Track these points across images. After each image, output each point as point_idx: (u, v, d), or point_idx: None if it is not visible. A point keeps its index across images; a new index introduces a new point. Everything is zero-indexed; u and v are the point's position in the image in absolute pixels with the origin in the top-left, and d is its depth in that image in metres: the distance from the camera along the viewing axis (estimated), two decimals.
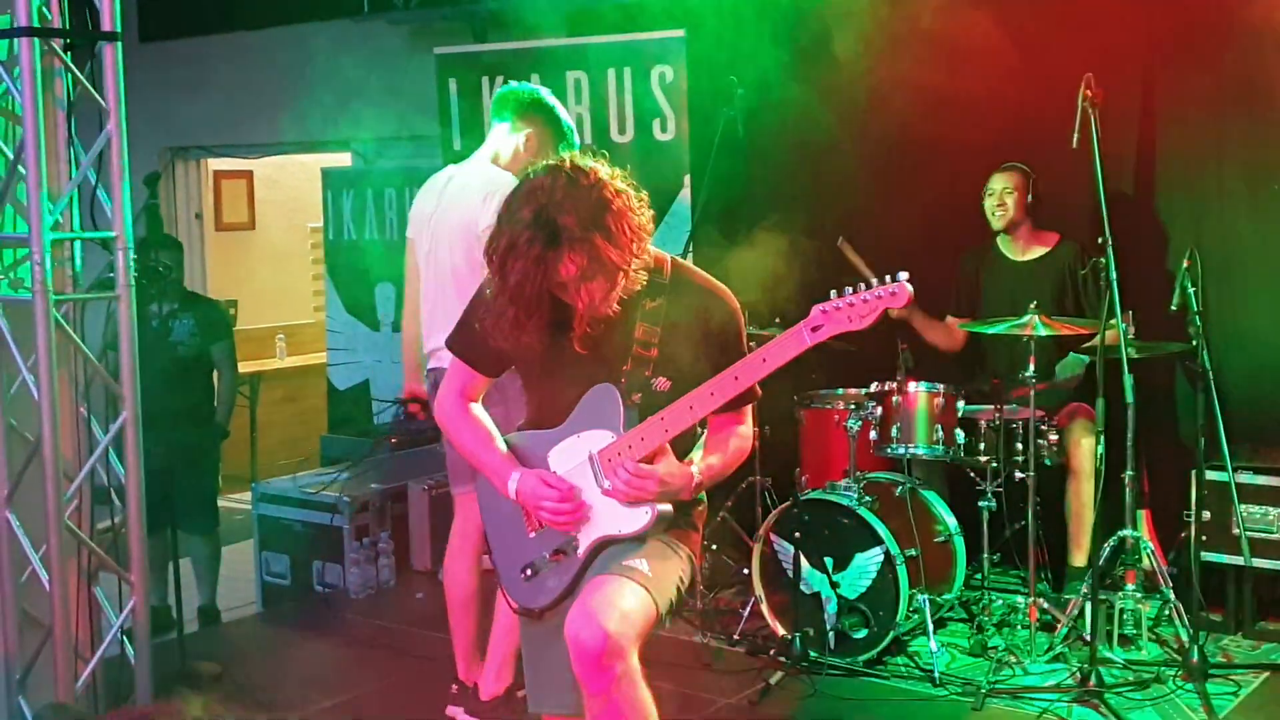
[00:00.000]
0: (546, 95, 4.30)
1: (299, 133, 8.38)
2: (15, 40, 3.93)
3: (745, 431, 3.00)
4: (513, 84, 4.42)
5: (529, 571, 2.98)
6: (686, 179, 6.00)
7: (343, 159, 8.57)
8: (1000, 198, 5.46)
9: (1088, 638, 4.60)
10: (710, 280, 2.96)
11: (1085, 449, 5.13)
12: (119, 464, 4.28)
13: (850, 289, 2.64)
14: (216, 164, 9.65)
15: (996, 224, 5.50)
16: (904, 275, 2.60)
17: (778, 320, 5.40)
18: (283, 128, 8.44)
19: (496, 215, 2.78)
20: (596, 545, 2.89)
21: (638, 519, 2.84)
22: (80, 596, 4.19)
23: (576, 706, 2.86)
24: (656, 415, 2.78)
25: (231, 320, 7.01)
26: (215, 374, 6.15)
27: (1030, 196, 5.43)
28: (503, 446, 3.02)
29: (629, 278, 2.73)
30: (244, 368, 7.89)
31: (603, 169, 2.75)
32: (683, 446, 2.94)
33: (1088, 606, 4.64)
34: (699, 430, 3.00)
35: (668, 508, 2.85)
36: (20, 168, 4.02)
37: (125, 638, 4.33)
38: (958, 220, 5.77)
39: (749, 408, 3.00)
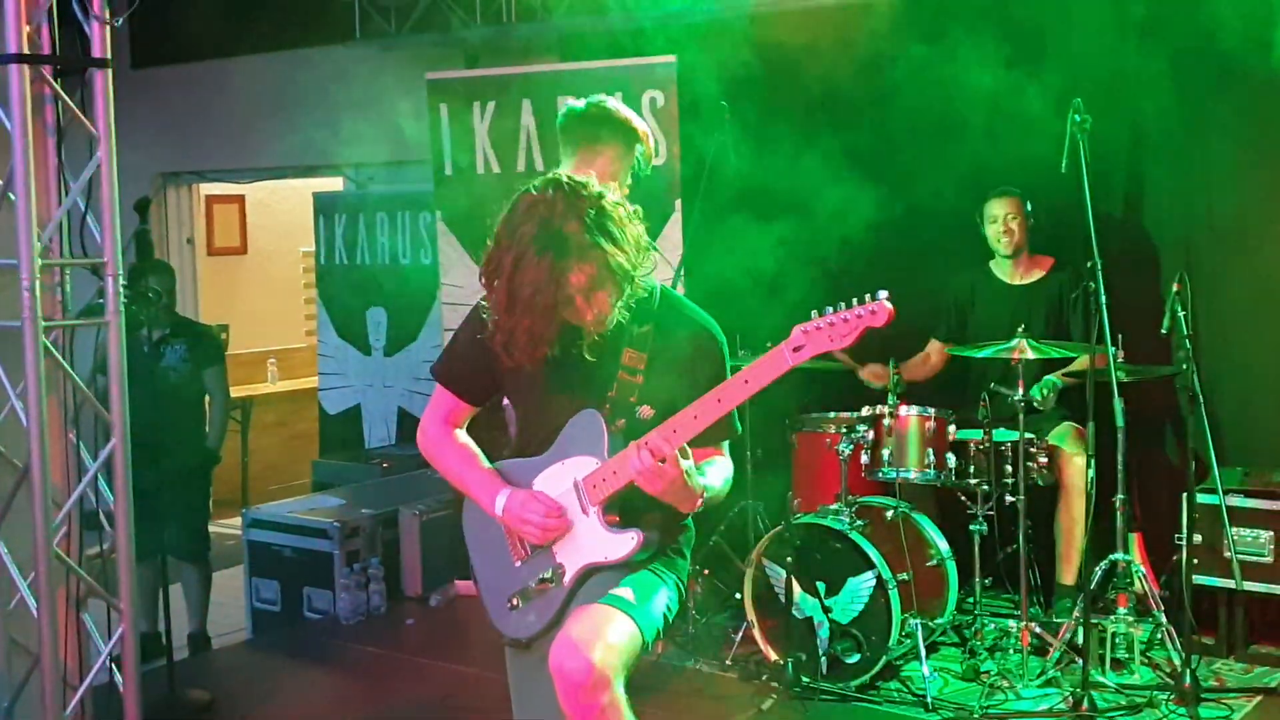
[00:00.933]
0: (609, 104, 4.28)
1: (291, 158, 8.39)
2: (5, 67, 3.93)
3: (729, 464, 2.97)
4: (570, 103, 4.35)
5: (515, 601, 2.96)
6: (677, 203, 6.00)
7: (335, 184, 8.58)
8: (1005, 224, 5.46)
9: (1080, 662, 4.59)
10: (696, 309, 2.96)
11: (1076, 466, 5.13)
12: (108, 490, 4.26)
13: (831, 308, 2.63)
14: (208, 189, 9.66)
15: (1003, 250, 5.49)
16: (884, 294, 2.59)
17: (769, 345, 5.37)
18: (275, 153, 8.46)
19: (494, 234, 2.76)
20: (583, 573, 2.88)
21: (623, 545, 2.82)
22: (69, 624, 4.16)
23: None
24: (640, 439, 2.76)
25: (223, 345, 7.00)
26: (206, 399, 6.14)
27: (1030, 219, 5.45)
28: (489, 468, 3.01)
29: (635, 285, 2.74)
30: (236, 392, 7.87)
31: (596, 183, 2.76)
32: None
33: (1080, 630, 4.63)
34: None
35: (653, 534, 2.83)
36: (10, 194, 4.01)
37: (114, 665, 4.30)
38: (948, 246, 5.79)
39: (727, 444, 2.98)
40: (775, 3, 6.01)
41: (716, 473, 2.92)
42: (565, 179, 2.73)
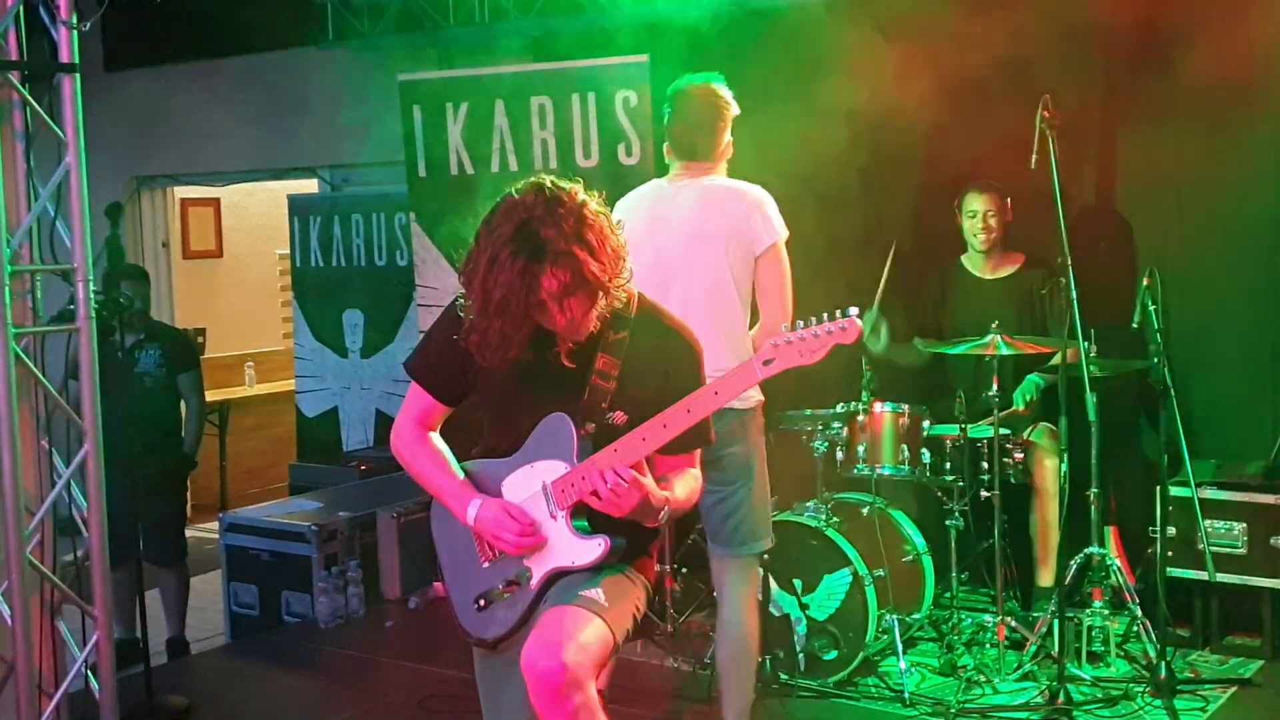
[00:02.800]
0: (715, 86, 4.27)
1: (265, 160, 8.37)
2: None
3: (699, 474, 2.98)
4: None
5: (482, 602, 2.96)
6: None
7: (309, 185, 8.55)
8: (984, 220, 5.42)
9: (1056, 655, 4.61)
10: (674, 318, 2.97)
11: (1049, 469, 5.15)
12: (82, 497, 4.25)
13: (802, 324, 2.65)
14: (183, 192, 9.61)
15: (979, 245, 5.47)
16: (854, 311, 2.62)
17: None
18: (249, 155, 8.42)
19: (475, 234, 2.76)
20: (550, 576, 2.88)
21: (591, 551, 2.82)
22: (43, 631, 4.15)
23: None
24: (610, 446, 2.77)
25: (198, 349, 6.98)
26: (182, 404, 6.12)
27: (1007, 216, 5.46)
28: (460, 473, 3.01)
29: (609, 296, 2.74)
30: (212, 395, 7.85)
31: (581, 190, 2.75)
32: None
33: (1056, 624, 4.65)
34: None
35: (620, 540, 2.83)
36: None
37: (90, 672, 4.29)
38: (925, 240, 5.80)
39: (699, 452, 2.99)
40: (747, 1, 6.02)
41: (684, 486, 2.92)
42: (549, 184, 2.72)
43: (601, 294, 2.71)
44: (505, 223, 2.68)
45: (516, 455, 2.92)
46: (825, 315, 2.64)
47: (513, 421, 2.93)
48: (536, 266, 2.64)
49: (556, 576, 2.87)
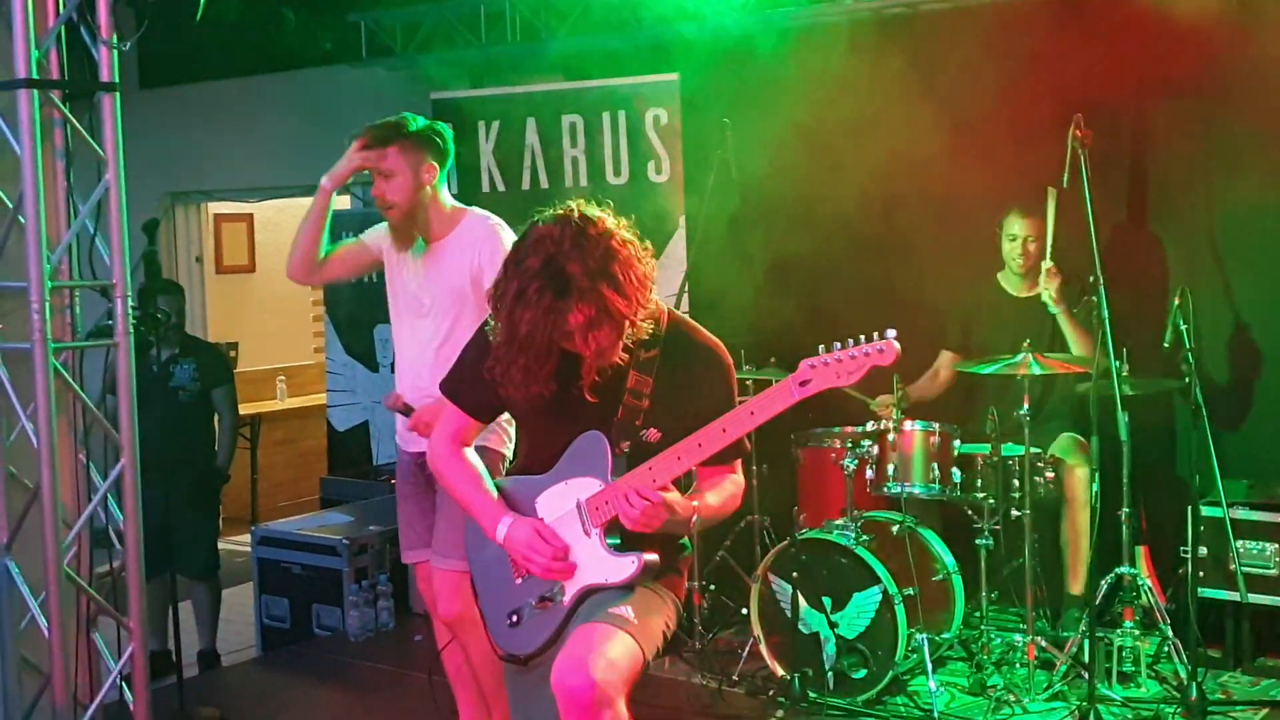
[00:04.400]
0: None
1: (298, 176, 8.41)
2: (14, 92, 3.96)
3: (738, 480, 3.00)
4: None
5: (514, 618, 2.98)
6: (681, 220, 6.03)
7: (342, 202, 8.60)
8: (1023, 244, 5.38)
9: (1086, 675, 4.58)
10: (705, 334, 2.98)
11: (1079, 477, 5.13)
12: (118, 510, 4.28)
13: (839, 345, 2.65)
14: (217, 208, 9.69)
15: (1016, 269, 5.45)
16: (891, 333, 2.61)
17: (772, 360, 5.43)
18: (282, 172, 8.48)
19: (505, 261, 2.80)
20: (582, 593, 2.90)
21: (624, 568, 2.84)
22: (79, 643, 4.18)
23: None
24: (644, 464, 2.79)
25: (232, 364, 7.02)
26: (216, 418, 6.16)
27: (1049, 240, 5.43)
28: (493, 491, 3.03)
29: (636, 326, 2.75)
30: (244, 409, 7.90)
31: (609, 218, 2.77)
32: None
33: (1086, 644, 4.63)
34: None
35: (654, 556, 2.84)
36: (20, 217, 4.03)
37: (124, 684, 4.32)
38: (950, 262, 5.80)
39: (741, 462, 3.01)
40: (775, 21, 6.04)
41: (718, 494, 2.93)
42: (577, 214, 2.74)
43: (627, 325, 2.73)
44: (532, 255, 2.71)
45: (551, 473, 2.94)
46: (863, 337, 2.64)
47: (547, 440, 2.96)
48: (562, 303, 2.68)
49: (589, 593, 2.89)
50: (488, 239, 3.96)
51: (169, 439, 5.25)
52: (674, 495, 2.80)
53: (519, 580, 2.99)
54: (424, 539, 4.12)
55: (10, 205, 4.10)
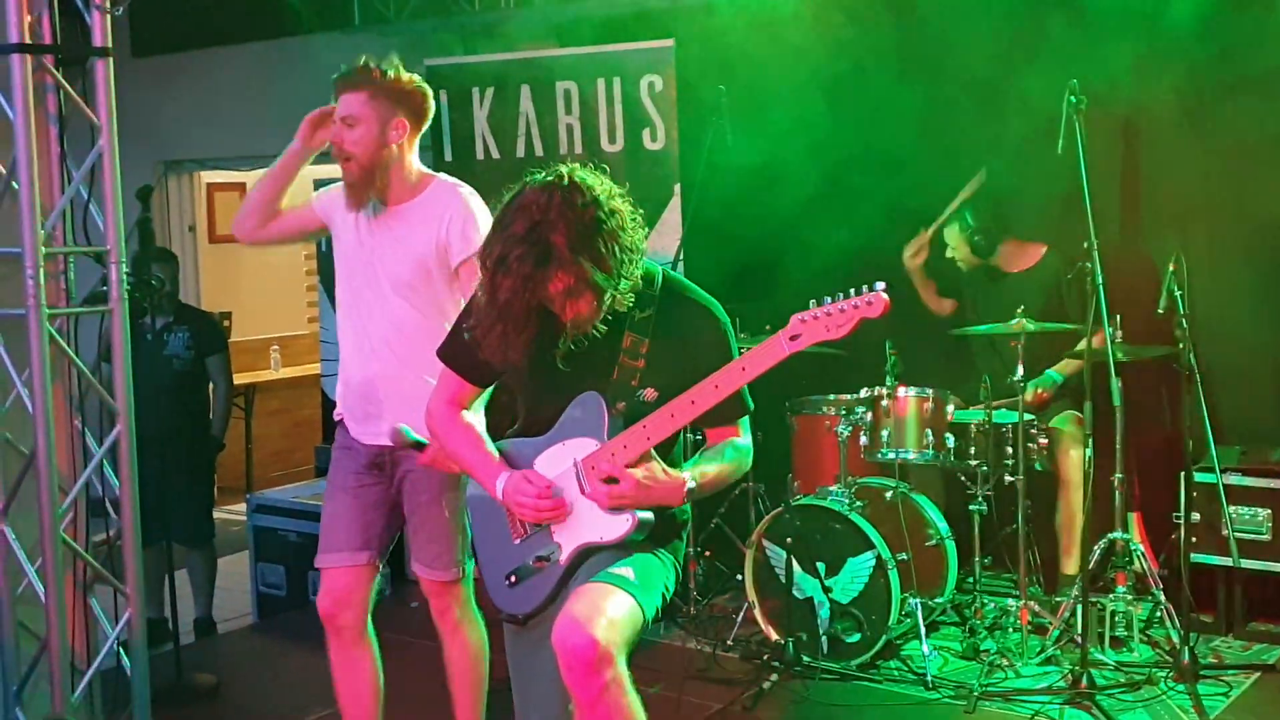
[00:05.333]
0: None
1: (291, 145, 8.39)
2: (7, 57, 3.95)
3: (742, 444, 2.99)
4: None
5: (513, 578, 3.00)
6: (677, 188, 6.03)
7: (335, 170, 8.58)
8: (955, 252, 5.57)
9: (1079, 640, 4.62)
10: (701, 294, 2.98)
11: (1074, 459, 5.16)
12: (114, 477, 4.29)
13: (829, 298, 2.66)
14: (209, 176, 9.67)
15: (963, 268, 5.60)
16: (880, 285, 2.62)
17: (768, 328, 5.42)
18: (275, 140, 8.44)
19: (495, 218, 2.79)
20: (579, 552, 2.91)
21: (619, 526, 2.85)
22: (76, 609, 4.20)
23: (564, 717, 2.89)
24: (639, 423, 2.80)
25: (226, 333, 7.02)
26: (210, 386, 6.17)
27: (978, 237, 5.50)
28: (494, 451, 3.05)
29: (617, 298, 2.76)
30: (239, 379, 7.90)
31: (600, 187, 2.76)
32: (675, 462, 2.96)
33: (1079, 609, 4.67)
34: (692, 436, 3.03)
35: (649, 515, 2.85)
36: (13, 183, 4.03)
37: (121, 650, 4.34)
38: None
39: (744, 421, 3.00)
40: None
41: (716, 460, 2.94)
42: (567, 179, 2.73)
43: (608, 297, 2.74)
44: (518, 220, 2.71)
45: (549, 434, 2.96)
46: (852, 290, 2.65)
47: (544, 402, 2.97)
48: (542, 272, 2.68)
49: (586, 552, 2.91)
50: (458, 210, 3.60)
51: (163, 407, 5.26)
52: (645, 471, 2.79)
53: (518, 541, 3.01)
54: (353, 543, 3.74)
55: (3, 171, 4.09)
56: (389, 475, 3.74)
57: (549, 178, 2.76)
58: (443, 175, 3.73)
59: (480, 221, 3.55)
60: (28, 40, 3.95)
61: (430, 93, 3.73)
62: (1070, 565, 5.23)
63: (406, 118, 3.63)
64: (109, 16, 4.10)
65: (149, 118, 8.45)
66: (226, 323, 8.85)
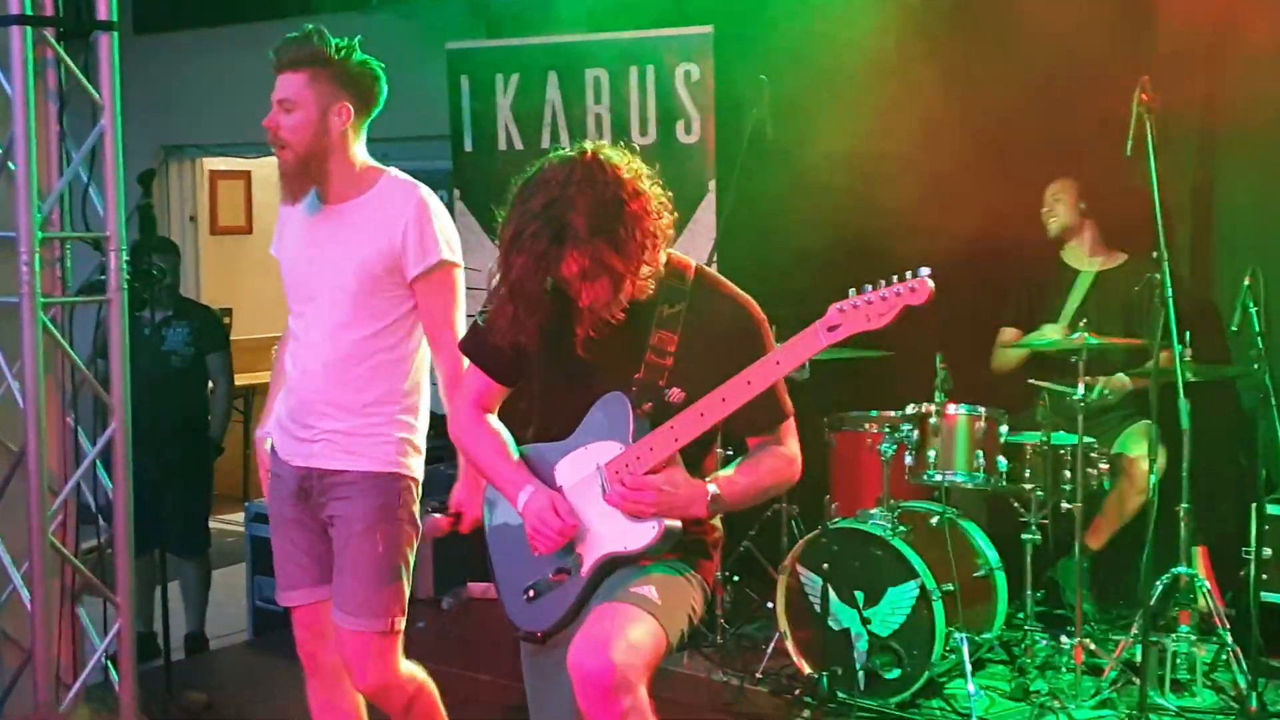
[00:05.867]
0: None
1: None
2: (6, 29, 3.99)
3: (784, 452, 2.98)
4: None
5: (531, 592, 3.01)
6: (711, 184, 6.04)
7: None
8: (1050, 204, 5.62)
9: (1138, 682, 4.60)
10: (734, 289, 2.99)
11: (1142, 469, 5.14)
12: (107, 478, 4.33)
13: (870, 286, 2.66)
14: (212, 163, 9.72)
15: (1050, 231, 5.65)
16: (925, 270, 2.61)
17: None
18: None
19: (512, 193, 2.82)
20: (601, 563, 2.92)
21: (643, 535, 2.85)
22: (63, 618, 4.23)
23: None
24: (666, 424, 2.81)
25: (227, 329, 7.06)
26: (209, 385, 6.21)
27: (1082, 203, 5.51)
28: (516, 458, 3.06)
29: (635, 285, 2.78)
30: (239, 380, 7.92)
31: (626, 166, 2.77)
32: (706, 470, 2.97)
33: (1138, 649, 4.65)
34: (723, 451, 3.04)
35: (676, 524, 2.85)
36: (9, 163, 4.07)
37: (110, 663, 4.37)
38: (1009, 231, 5.79)
39: (787, 426, 3.00)
40: None
41: (750, 470, 2.95)
42: (592, 156, 2.76)
43: (626, 283, 2.76)
44: (536, 194, 2.74)
45: (572, 437, 2.97)
46: (895, 276, 2.64)
47: (568, 402, 2.98)
48: (556, 251, 2.71)
49: (608, 564, 2.91)
50: (414, 213, 3.34)
51: (159, 406, 5.29)
52: (666, 477, 2.80)
53: (537, 554, 3.01)
54: (312, 574, 3.55)
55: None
56: (315, 501, 3.48)
57: (572, 153, 2.79)
58: (394, 170, 3.49)
59: (441, 227, 3.36)
60: (29, 11, 4.00)
61: (382, 76, 3.52)
62: (1094, 539, 5.22)
63: (351, 102, 3.41)
64: None
65: (150, 99, 8.49)
66: (227, 319, 8.89)
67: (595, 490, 2.91)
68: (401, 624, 3.48)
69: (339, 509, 3.44)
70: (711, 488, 2.85)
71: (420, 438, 3.52)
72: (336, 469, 3.43)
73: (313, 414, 3.46)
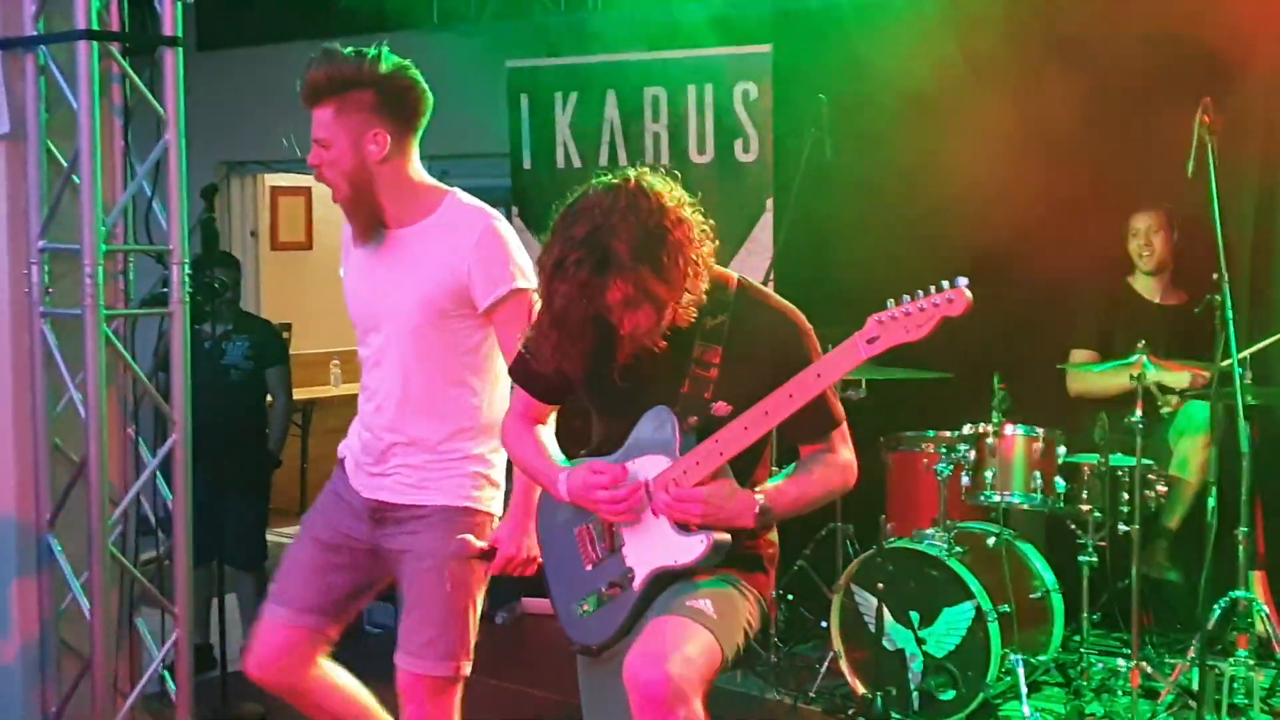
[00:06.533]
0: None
1: None
2: (73, 44, 4.04)
3: (836, 460, 2.97)
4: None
5: (585, 605, 3.02)
6: (769, 202, 6.03)
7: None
8: (1146, 237, 5.53)
9: (1195, 707, 4.53)
10: (779, 299, 2.99)
11: (1194, 464, 5.14)
12: (166, 489, 4.36)
13: (908, 297, 2.65)
14: (274, 180, 9.80)
15: (1145, 266, 5.57)
16: (963, 281, 2.61)
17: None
18: None
19: (554, 219, 2.82)
20: (652, 577, 2.92)
21: (692, 549, 2.85)
22: (122, 627, 4.27)
23: None
24: (711, 438, 2.81)
25: (287, 344, 7.11)
26: (268, 399, 6.25)
27: (1175, 233, 5.49)
28: (558, 458, 3.08)
29: (678, 312, 2.78)
30: (297, 394, 7.98)
31: (668, 194, 2.78)
32: (757, 482, 2.96)
33: (1196, 673, 4.58)
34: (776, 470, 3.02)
35: (725, 537, 2.84)
36: (74, 176, 4.12)
37: (167, 674, 4.40)
38: (1073, 252, 5.73)
39: (839, 433, 2.98)
40: None
41: (799, 479, 2.94)
42: (634, 184, 2.76)
43: (668, 311, 2.76)
44: (579, 222, 2.74)
45: (619, 452, 2.97)
46: (932, 287, 2.63)
47: (615, 419, 3.00)
48: (600, 280, 2.71)
49: (660, 578, 2.91)
50: (482, 237, 3.20)
51: (219, 419, 5.32)
52: (711, 489, 2.80)
53: (589, 567, 3.02)
54: (303, 598, 3.45)
55: (65, 163, 4.19)
56: (387, 531, 3.37)
57: (615, 180, 2.79)
58: (459, 192, 3.34)
59: (513, 251, 3.25)
60: (95, 27, 4.05)
61: (418, 80, 3.29)
62: (1169, 520, 5.24)
63: (387, 125, 3.21)
64: (180, 5, 4.19)
65: (213, 115, 8.58)
66: (286, 334, 8.95)
67: (645, 503, 2.91)
68: (467, 670, 3.36)
69: (408, 543, 3.34)
70: (760, 499, 2.85)
71: (498, 472, 3.41)
72: (408, 503, 3.34)
73: (384, 448, 3.36)
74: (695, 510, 2.79)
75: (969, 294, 2.59)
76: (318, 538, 3.47)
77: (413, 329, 3.26)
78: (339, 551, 3.43)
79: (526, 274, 3.25)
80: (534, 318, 2.91)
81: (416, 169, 3.31)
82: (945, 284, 2.61)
